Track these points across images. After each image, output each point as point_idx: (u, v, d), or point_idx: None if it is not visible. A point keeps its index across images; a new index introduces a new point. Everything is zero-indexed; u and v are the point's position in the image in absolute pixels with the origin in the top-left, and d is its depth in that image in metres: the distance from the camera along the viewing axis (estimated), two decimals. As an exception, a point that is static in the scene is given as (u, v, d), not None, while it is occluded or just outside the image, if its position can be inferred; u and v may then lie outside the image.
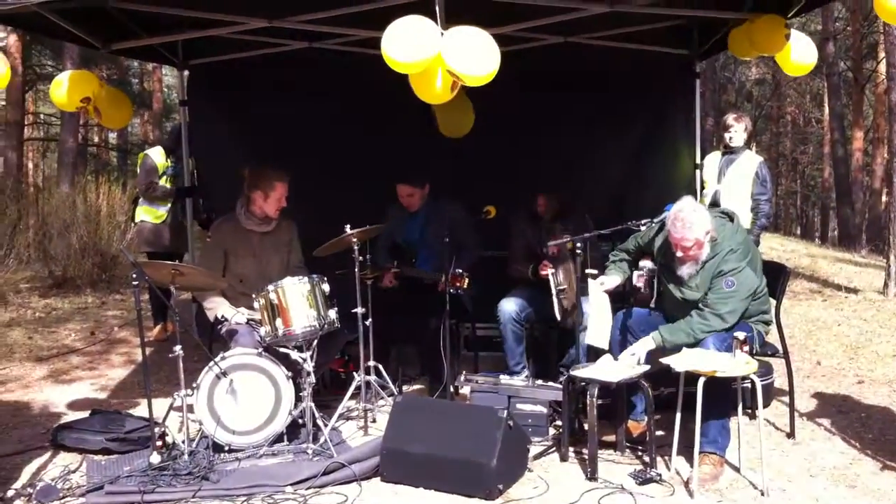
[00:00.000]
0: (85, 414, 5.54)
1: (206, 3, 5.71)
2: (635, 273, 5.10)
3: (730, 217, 4.87)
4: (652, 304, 5.08)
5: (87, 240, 11.55)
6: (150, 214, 8.06)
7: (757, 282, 4.79)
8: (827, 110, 26.36)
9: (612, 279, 5.11)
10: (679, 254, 4.68)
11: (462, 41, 4.20)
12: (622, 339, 5.02)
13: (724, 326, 4.65)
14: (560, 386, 5.15)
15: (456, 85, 4.32)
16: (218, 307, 5.38)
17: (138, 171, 8.33)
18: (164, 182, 8.03)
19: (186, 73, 7.69)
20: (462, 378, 5.58)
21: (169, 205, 8.06)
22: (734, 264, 4.66)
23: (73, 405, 6.10)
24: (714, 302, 4.64)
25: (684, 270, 4.75)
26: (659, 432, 4.92)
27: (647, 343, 4.71)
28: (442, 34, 4.18)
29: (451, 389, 5.62)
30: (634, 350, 4.73)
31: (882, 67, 19.84)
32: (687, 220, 4.57)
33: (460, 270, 5.65)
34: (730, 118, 7.23)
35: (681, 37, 7.16)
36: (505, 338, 5.93)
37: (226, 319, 5.32)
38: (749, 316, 4.81)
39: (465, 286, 5.69)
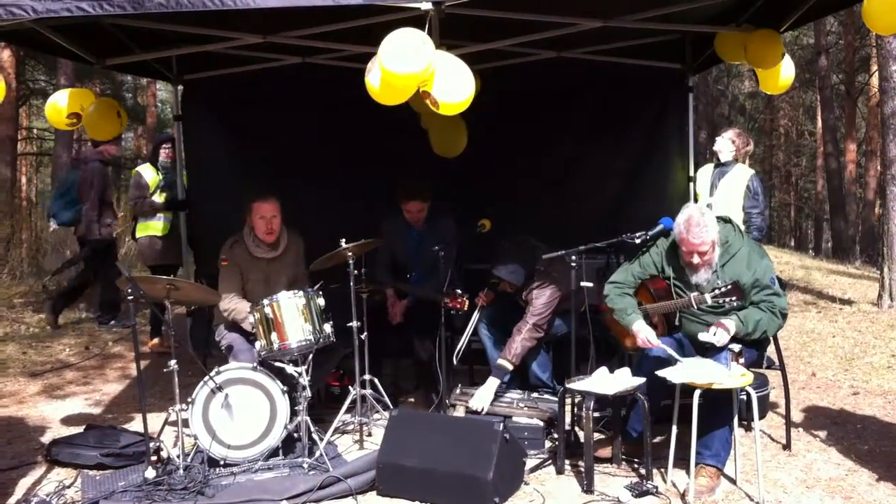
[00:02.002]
0: (79, 429, 5.54)
1: (201, 19, 5.73)
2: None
3: (726, 220, 4.87)
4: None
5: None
6: (149, 230, 8.10)
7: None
8: (820, 123, 26.51)
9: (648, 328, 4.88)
10: (696, 260, 4.64)
11: (444, 67, 4.18)
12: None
13: (781, 326, 4.72)
14: (555, 399, 5.18)
15: (421, 96, 4.30)
16: (243, 307, 5.37)
17: (130, 188, 8.41)
18: (157, 197, 8.08)
19: (181, 87, 7.72)
20: (457, 392, 5.58)
21: (165, 217, 8.09)
22: (762, 262, 4.69)
23: (68, 420, 6.08)
24: (778, 302, 4.60)
25: (700, 277, 4.71)
26: (654, 443, 4.92)
27: (729, 327, 4.52)
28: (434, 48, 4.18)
29: (447, 403, 5.62)
30: (717, 333, 4.51)
31: (874, 80, 19.94)
32: (701, 223, 4.57)
33: (459, 291, 5.64)
34: (721, 132, 7.33)
35: (674, 51, 7.21)
36: (484, 345, 5.94)
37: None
38: None
39: (464, 308, 5.68)
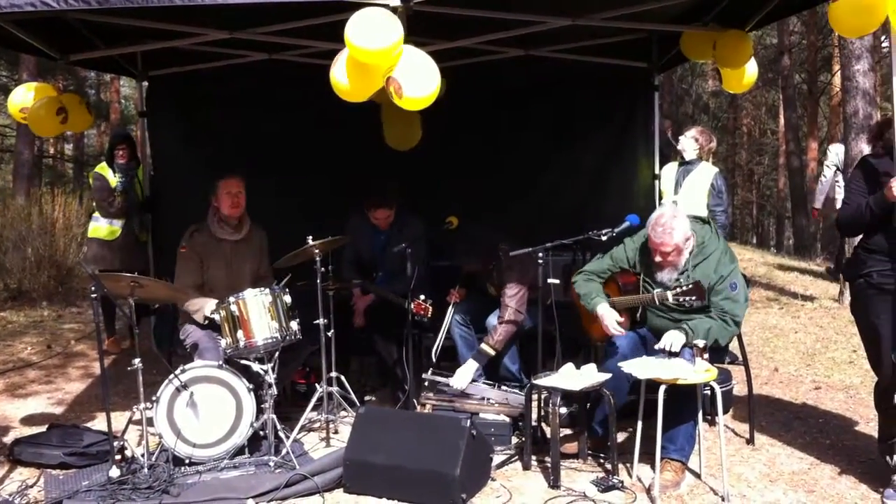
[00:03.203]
0: (42, 428, 5.46)
1: (166, 14, 5.67)
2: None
3: (705, 221, 4.94)
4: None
5: (43, 252, 11.40)
6: (101, 232, 7.82)
7: (747, 294, 4.87)
8: (782, 122, 26.78)
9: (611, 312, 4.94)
10: (658, 259, 4.72)
11: (412, 59, 4.18)
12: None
13: (735, 332, 4.77)
14: (521, 395, 5.20)
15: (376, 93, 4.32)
16: (204, 306, 5.34)
17: (92, 191, 8.08)
18: (116, 198, 7.79)
19: (145, 84, 7.64)
20: (429, 374, 5.60)
21: (123, 221, 7.84)
22: (730, 266, 4.74)
23: (30, 419, 6.00)
24: (731, 308, 4.65)
25: (664, 276, 4.78)
26: (620, 439, 4.96)
27: (679, 337, 4.58)
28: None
29: (414, 400, 5.62)
30: (670, 342, 4.56)
31: (836, 80, 20.18)
32: (668, 225, 4.63)
33: (424, 297, 5.64)
34: (683, 132, 7.40)
35: (640, 49, 7.26)
36: (455, 342, 5.95)
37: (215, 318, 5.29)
38: None
39: (428, 315, 5.67)
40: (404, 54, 4.13)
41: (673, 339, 4.55)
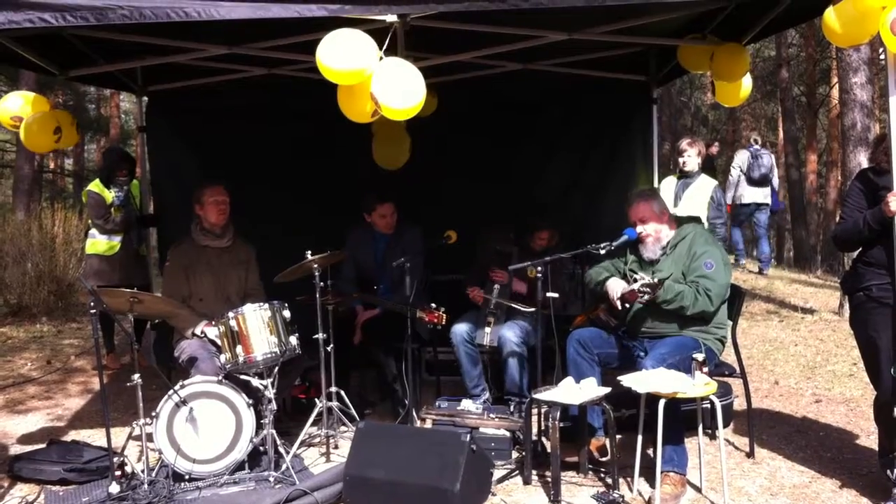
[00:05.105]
0: (42, 444, 5.45)
1: (166, 30, 5.69)
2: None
3: (695, 220, 5.28)
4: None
5: (43, 267, 11.39)
6: (100, 247, 7.77)
7: (728, 280, 4.99)
8: (781, 134, 26.79)
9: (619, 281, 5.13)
10: (639, 229, 5.00)
11: (392, 71, 4.18)
12: (577, 359, 5.05)
13: (708, 309, 4.85)
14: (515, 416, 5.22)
15: (376, 113, 4.32)
16: (189, 324, 5.38)
17: (88, 208, 8.00)
18: (113, 214, 7.75)
19: (145, 99, 7.65)
20: (423, 410, 5.58)
21: (122, 236, 7.80)
22: (705, 246, 4.95)
23: (30, 435, 6.00)
24: (704, 283, 4.84)
25: (648, 250, 5.05)
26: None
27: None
28: (381, 58, 4.16)
29: (414, 415, 5.61)
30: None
31: (835, 92, 20.21)
32: (647, 195, 5.11)
33: (434, 305, 5.62)
34: (683, 143, 7.38)
35: (638, 63, 7.27)
36: (460, 360, 5.94)
37: (204, 335, 5.33)
38: (702, 330, 4.93)
39: (442, 323, 5.64)
40: (383, 66, 4.12)
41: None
